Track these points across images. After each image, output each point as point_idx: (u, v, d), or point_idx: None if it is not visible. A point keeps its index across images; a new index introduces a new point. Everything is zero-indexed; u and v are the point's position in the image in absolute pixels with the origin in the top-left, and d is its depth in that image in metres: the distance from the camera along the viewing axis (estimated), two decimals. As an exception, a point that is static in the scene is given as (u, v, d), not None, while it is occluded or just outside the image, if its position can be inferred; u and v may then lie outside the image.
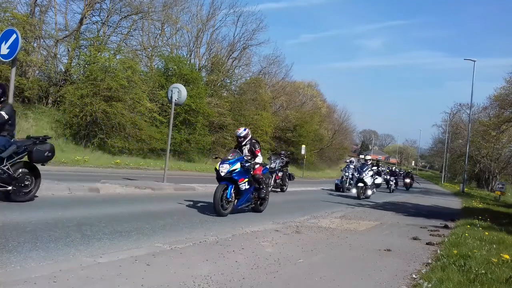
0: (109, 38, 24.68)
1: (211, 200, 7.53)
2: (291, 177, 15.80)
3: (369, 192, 16.13)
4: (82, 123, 19.54)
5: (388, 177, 25.11)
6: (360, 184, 15.79)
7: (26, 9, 21.20)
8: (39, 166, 6.73)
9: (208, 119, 28.29)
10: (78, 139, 19.69)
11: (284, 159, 15.29)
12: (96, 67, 20.32)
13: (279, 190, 14.80)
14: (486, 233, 7.48)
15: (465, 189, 34.81)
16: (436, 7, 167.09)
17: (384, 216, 10.44)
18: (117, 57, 22.58)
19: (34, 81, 20.08)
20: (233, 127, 30.94)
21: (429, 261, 5.19)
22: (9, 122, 6.38)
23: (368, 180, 15.98)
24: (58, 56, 23.21)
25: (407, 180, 29.68)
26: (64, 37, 22.77)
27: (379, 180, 17.72)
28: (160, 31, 28.75)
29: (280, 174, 14.78)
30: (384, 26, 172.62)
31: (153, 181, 11.81)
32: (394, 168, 32.05)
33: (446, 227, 8.95)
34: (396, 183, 25.82)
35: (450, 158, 55.85)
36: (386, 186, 24.71)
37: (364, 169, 16.09)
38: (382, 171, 32.73)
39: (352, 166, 18.61)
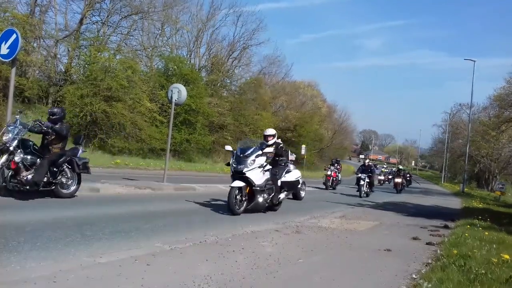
0: (109, 38, 24.74)
1: (211, 200, 7.46)
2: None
3: (260, 198, 8.05)
4: (82, 123, 19.56)
5: (359, 174, 17.47)
6: (238, 184, 7.69)
7: (26, 9, 21.26)
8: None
9: (208, 119, 28.32)
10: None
11: (52, 126, 7.04)
12: (96, 67, 20.34)
13: (48, 188, 7.06)
14: (486, 233, 7.47)
15: (465, 189, 34.84)
16: (436, 7, 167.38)
17: (384, 216, 10.43)
18: (117, 57, 22.63)
19: (34, 81, 20.11)
20: (233, 127, 31.04)
21: (429, 261, 5.18)
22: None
23: (254, 175, 7.82)
24: (58, 56, 23.31)
25: (398, 180, 23.96)
26: (64, 37, 22.80)
27: (291, 175, 9.46)
28: (160, 31, 28.80)
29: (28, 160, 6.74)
30: (384, 26, 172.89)
31: (153, 181, 11.80)
32: (368, 162, 19.51)
33: (446, 227, 8.94)
34: (369, 184, 17.53)
35: (450, 158, 55.89)
36: (357, 188, 17.49)
37: (246, 154, 7.94)
38: (367, 167, 18.37)
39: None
